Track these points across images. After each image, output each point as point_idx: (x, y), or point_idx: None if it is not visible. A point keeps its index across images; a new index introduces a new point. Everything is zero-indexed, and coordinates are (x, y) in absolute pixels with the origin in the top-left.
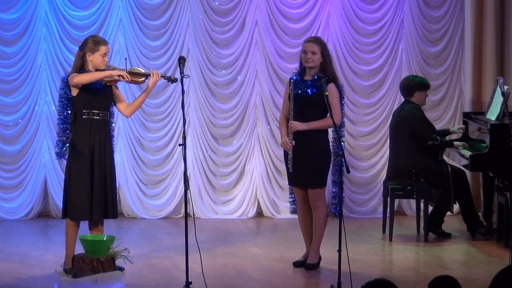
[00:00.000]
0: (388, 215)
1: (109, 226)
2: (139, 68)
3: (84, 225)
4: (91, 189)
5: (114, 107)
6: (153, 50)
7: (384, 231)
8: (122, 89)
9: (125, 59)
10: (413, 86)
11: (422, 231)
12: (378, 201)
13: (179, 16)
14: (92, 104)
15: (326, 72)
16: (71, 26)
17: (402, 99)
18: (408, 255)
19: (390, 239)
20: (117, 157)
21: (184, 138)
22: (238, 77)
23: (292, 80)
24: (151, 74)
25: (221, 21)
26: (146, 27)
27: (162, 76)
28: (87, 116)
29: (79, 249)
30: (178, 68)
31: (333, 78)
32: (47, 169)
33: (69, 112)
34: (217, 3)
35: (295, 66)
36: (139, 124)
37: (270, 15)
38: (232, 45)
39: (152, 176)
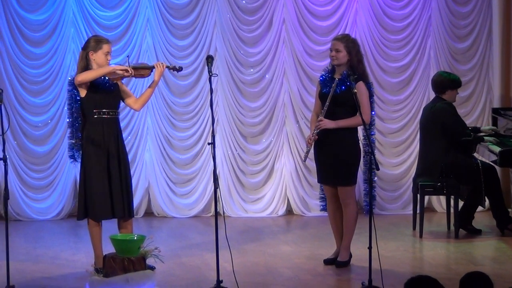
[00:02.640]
0: (418, 211)
1: (139, 226)
2: (143, 63)
3: (113, 224)
4: (109, 188)
5: (122, 104)
6: (181, 50)
7: (414, 228)
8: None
9: (127, 56)
10: (446, 85)
11: (452, 228)
12: (408, 198)
13: (207, 15)
14: (102, 103)
15: (355, 70)
16: (99, 26)
17: (432, 95)
18: (439, 251)
19: (421, 236)
20: (146, 156)
21: (213, 136)
22: (266, 75)
23: (320, 79)
24: (156, 66)
25: (248, 20)
26: (174, 27)
27: (167, 67)
28: (98, 116)
29: (110, 249)
30: (206, 67)
31: (362, 76)
32: (77, 169)
33: (79, 114)
34: (244, 1)
35: (323, 63)
36: (168, 123)
37: (298, 13)
38: (260, 44)
39: (182, 175)
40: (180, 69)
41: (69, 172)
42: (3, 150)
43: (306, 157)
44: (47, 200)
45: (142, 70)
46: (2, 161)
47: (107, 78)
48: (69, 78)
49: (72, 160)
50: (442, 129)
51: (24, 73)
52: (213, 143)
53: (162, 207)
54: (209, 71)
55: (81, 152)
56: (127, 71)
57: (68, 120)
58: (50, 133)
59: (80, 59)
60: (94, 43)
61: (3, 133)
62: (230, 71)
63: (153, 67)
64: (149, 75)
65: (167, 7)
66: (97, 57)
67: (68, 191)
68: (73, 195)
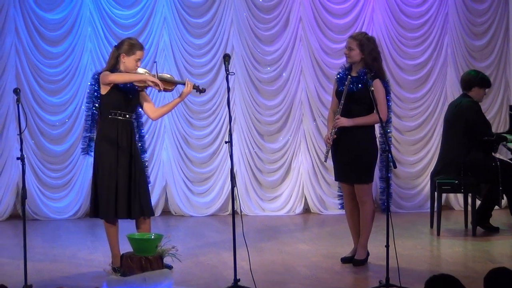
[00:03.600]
0: (435, 209)
1: (157, 224)
2: (168, 75)
3: (131, 223)
4: (123, 187)
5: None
6: (198, 48)
7: (431, 226)
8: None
9: (154, 62)
10: (473, 81)
11: (470, 226)
12: (425, 195)
13: (223, 14)
14: (120, 105)
15: (371, 68)
16: (116, 25)
17: (449, 93)
18: (456, 249)
19: (438, 234)
20: (163, 155)
21: (230, 135)
22: (283, 74)
23: (337, 77)
24: (186, 84)
25: (265, 18)
26: (191, 25)
27: (193, 86)
28: (113, 116)
29: (127, 248)
30: (223, 66)
31: (378, 74)
32: None
33: (96, 109)
34: (260, 0)
35: (340, 61)
36: (185, 122)
37: (314, 11)
38: (277, 42)
39: (199, 173)
40: (203, 90)
41: (87, 171)
42: (21, 150)
43: (326, 157)
44: (65, 199)
45: (167, 84)
46: (19, 160)
47: (150, 84)
48: (94, 72)
49: (84, 153)
50: (465, 126)
51: (41, 72)
52: (230, 142)
53: (180, 205)
54: (226, 70)
55: (94, 149)
56: (157, 85)
57: (86, 113)
58: (67, 132)
59: (111, 56)
60: (128, 46)
61: (20, 133)
62: (247, 70)
63: (180, 83)
64: (173, 90)
65: (184, 5)
66: (127, 61)
67: (85, 190)
68: (90, 193)
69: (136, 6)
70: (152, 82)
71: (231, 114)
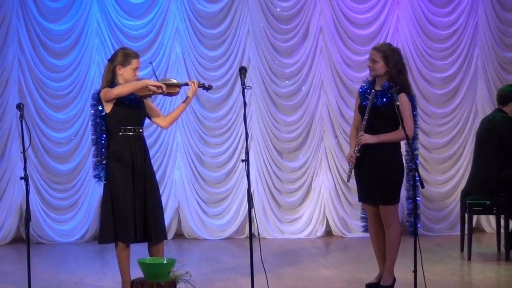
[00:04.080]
0: (466, 232)
1: (169, 248)
2: (171, 79)
3: (142, 247)
4: (136, 210)
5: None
6: (212, 60)
7: (462, 250)
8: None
9: (150, 63)
10: (510, 96)
11: (503, 249)
12: (455, 217)
13: (239, 24)
14: (127, 119)
15: (396, 81)
16: (125, 36)
17: (480, 108)
18: (489, 275)
19: (469, 258)
20: (176, 174)
21: (247, 153)
22: (303, 88)
23: (360, 91)
24: (190, 84)
25: (283, 28)
26: (204, 36)
27: (198, 85)
28: (123, 133)
29: (138, 273)
30: (239, 79)
31: (404, 88)
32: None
33: (103, 131)
34: (278, 9)
35: (363, 75)
36: (199, 139)
37: (335, 20)
38: (296, 54)
39: (213, 194)
40: (209, 87)
41: (94, 191)
42: (24, 169)
43: (349, 176)
44: (71, 221)
45: (171, 88)
46: (23, 180)
47: (133, 94)
48: (93, 91)
49: (97, 179)
50: (498, 143)
51: (46, 86)
52: (247, 160)
53: (193, 228)
54: (242, 84)
55: (106, 171)
56: (160, 87)
57: (92, 137)
58: (73, 150)
59: (106, 71)
60: (122, 57)
61: (24, 151)
62: (264, 83)
63: (183, 84)
64: (178, 93)
65: (197, 15)
66: (125, 73)
67: (93, 211)
68: (98, 215)
69: (147, 16)
70: (154, 85)
71: (248, 131)
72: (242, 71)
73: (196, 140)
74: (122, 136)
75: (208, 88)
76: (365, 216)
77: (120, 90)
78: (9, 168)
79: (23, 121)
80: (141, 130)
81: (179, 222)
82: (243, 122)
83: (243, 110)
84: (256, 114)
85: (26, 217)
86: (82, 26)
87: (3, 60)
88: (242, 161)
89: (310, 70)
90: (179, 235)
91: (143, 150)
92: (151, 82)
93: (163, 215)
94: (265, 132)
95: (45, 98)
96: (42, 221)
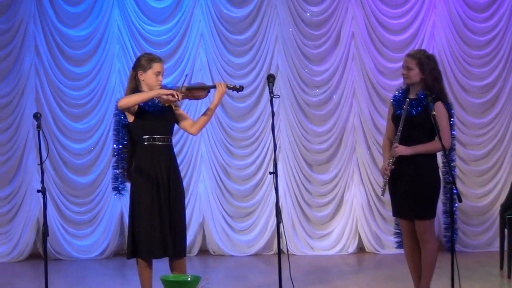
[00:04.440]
0: (506, 248)
1: (193, 265)
2: (200, 83)
3: (164, 264)
4: (159, 224)
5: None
6: (238, 68)
7: (502, 267)
8: (192, 105)
9: (186, 75)
10: None
11: None
12: (494, 233)
13: (267, 30)
14: (153, 128)
15: (431, 89)
16: (147, 42)
17: None
18: None
19: (509, 276)
20: (200, 187)
21: (275, 165)
22: (334, 96)
23: (393, 99)
24: (216, 86)
25: (313, 34)
26: (230, 42)
27: (227, 86)
28: (149, 142)
29: None
30: (267, 88)
31: (440, 96)
32: (124, 202)
33: (126, 140)
34: (308, 14)
35: (396, 83)
36: (224, 150)
37: (368, 26)
38: (326, 61)
39: (240, 208)
40: (241, 88)
41: (115, 205)
42: (42, 181)
43: (384, 190)
44: (90, 236)
45: (197, 91)
46: (40, 194)
47: (157, 100)
48: (117, 99)
49: (116, 192)
50: None
51: (64, 95)
52: (275, 173)
53: (219, 244)
54: (270, 92)
55: (129, 183)
56: (173, 95)
57: (113, 146)
58: (93, 162)
59: (129, 79)
60: (144, 61)
61: (41, 162)
62: (294, 92)
63: (211, 87)
64: (206, 96)
65: (223, 20)
66: (146, 78)
67: (114, 226)
68: (119, 231)
69: (170, 21)
70: (166, 94)
71: (276, 142)
72: (270, 79)
73: (222, 151)
74: (147, 146)
75: (238, 89)
76: (399, 231)
77: (126, 102)
78: (26, 180)
79: (40, 132)
80: (169, 139)
81: (204, 238)
82: (271, 133)
83: (271, 120)
84: (285, 124)
85: (44, 232)
86: (102, 31)
87: (20, 68)
88: (270, 173)
89: (341, 78)
90: (203, 251)
91: (169, 160)
92: (163, 91)
93: (185, 230)
94: (294, 143)
95: (63, 107)
96: (60, 236)
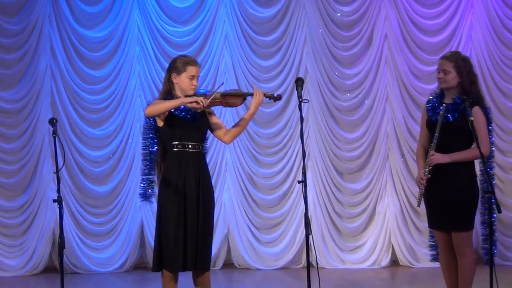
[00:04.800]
0: None
1: (218, 279)
2: (236, 90)
3: (188, 278)
4: (186, 237)
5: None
6: (265, 71)
7: None
8: (227, 112)
9: (221, 84)
10: None
11: None
12: None
13: (295, 31)
14: (184, 134)
15: (468, 94)
16: (168, 44)
17: None
18: None
19: None
20: (225, 197)
21: (304, 173)
22: (366, 101)
23: (428, 105)
24: (254, 93)
25: (344, 36)
26: (257, 44)
27: (265, 95)
28: (179, 148)
29: None
30: (295, 92)
31: (477, 100)
32: (144, 212)
33: (156, 145)
34: (339, 14)
35: (432, 86)
36: (250, 158)
37: (402, 27)
38: (358, 64)
39: (267, 219)
40: (279, 98)
41: (135, 215)
42: (58, 190)
43: (420, 201)
44: (109, 249)
45: (232, 98)
46: (56, 203)
47: (188, 106)
48: (147, 102)
49: (142, 199)
50: None
51: (81, 99)
52: (303, 181)
53: (244, 257)
54: (299, 96)
55: (157, 190)
56: (197, 103)
57: (142, 151)
58: (111, 170)
59: (164, 82)
60: (179, 64)
61: (57, 171)
62: (323, 96)
63: (248, 94)
64: (241, 104)
65: (249, 21)
66: (180, 81)
67: (133, 238)
68: (139, 243)
69: (193, 22)
70: (191, 102)
71: (305, 149)
72: (299, 82)
73: (248, 159)
74: (176, 152)
75: (276, 98)
76: (433, 243)
77: (151, 110)
78: (41, 189)
79: (56, 138)
80: (200, 146)
81: (229, 250)
82: (299, 139)
83: (299, 126)
84: (314, 130)
85: (60, 244)
86: (122, 32)
87: (34, 70)
88: (299, 182)
89: (373, 82)
90: (228, 264)
91: (200, 168)
92: (187, 99)
93: (211, 244)
94: (324, 150)
95: (81, 113)
96: (77, 248)
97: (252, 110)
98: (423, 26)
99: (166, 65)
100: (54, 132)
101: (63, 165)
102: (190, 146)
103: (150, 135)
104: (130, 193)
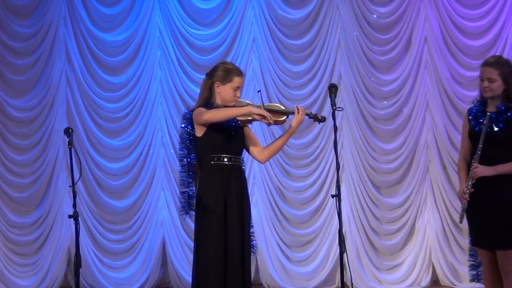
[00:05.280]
0: None
1: None
2: (277, 104)
3: None
4: (225, 255)
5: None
6: (296, 77)
7: None
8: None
9: (258, 91)
10: None
11: None
12: None
13: (328, 33)
14: (223, 146)
15: None
16: (192, 48)
17: None
18: None
19: None
20: (253, 213)
21: (338, 187)
22: (404, 109)
23: (470, 113)
24: (295, 111)
25: (380, 39)
26: (287, 48)
27: (307, 115)
28: (216, 161)
29: None
30: (328, 99)
31: None
32: (166, 229)
33: (193, 156)
34: (375, 15)
35: (475, 93)
36: (280, 171)
37: (443, 29)
38: (396, 69)
39: (298, 236)
40: (323, 119)
41: (156, 232)
42: (74, 205)
43: (462, 217)
44: (128, 268)
45: (278, 116)
46: (72, 219)
47: (254, 118)
48: (185, 110)
49: (183, 213)
50: None
51: (99, 107)
52: (337, 196)
53: (274, 276)
54: (332, 104)
55: (195, 207)
56: (264, 117)
57: (180, 162)
58: (131, 183)
59: (203, 88)
60: (222, 72)
61: (73, 184)
62: (358, 104)
63: (291, 112)
64: (285, 122)
65: (278, 23)
66: (223, 91)
67: (155, 256)
68: (160, 262)
69: (218, 24)
70: (259, 114)
71: (339, 161)
72: (332, 89)
73: (277, 171)
74: (215, 166)
75: (320, 120)
76: (473, 262)
77: (214, 115)
78: (55, 204)
79: (72, 149)
80: (239, 159)
81: (257, 269)
82: (333, 150)
83: (333, 136)
84: (349, 141)
85: (76, 262)
86: (142, 36)
87: (48, 77)
88: (332, 196)
89: (412, 88)
90: (257, 284)
91: (241, 183)
92: (255, 110)
93: (250, 264)
94: (360, 162)
95: (98, 122)
96: (94, 267)
97: (293, 130)
98: (465, 28)
99: (189, 70)
100: (70, 143)
101: (79, 178)
102: (229, 159)
103: (187, 145)
104: (151, 208)
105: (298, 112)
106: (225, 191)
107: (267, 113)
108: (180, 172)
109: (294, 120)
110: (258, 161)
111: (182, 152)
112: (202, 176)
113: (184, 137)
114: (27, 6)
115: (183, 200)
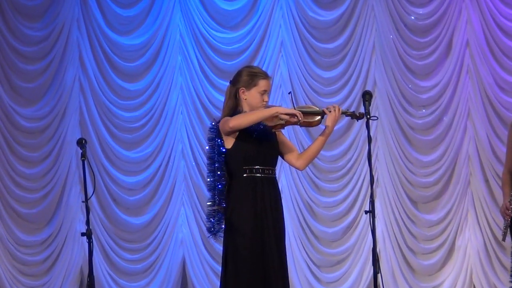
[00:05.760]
0: None
1: None
2: (310, 105)
3: None
4: (263, 278)
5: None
6: (327, 83)
7: None
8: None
9: (289, 93)
10: None
11: None
12: None
13: (362, 36)
14: (255, 157)
15: None
16: (215, 53)
17: None
18: None
19: None
20: None
21: (372, 202)
22: (444, 118)
23: None
24: (328, 110)
25: (419, 42)
26: (317, 52)
27: (343, 113)
28: (249, 174)
29: None
30: (362, 107)
31: None
32: (186, 248)
33: (223, 171)
34: (413, 17)
35: None
36: (309, 184)
37: (486, 31)
38: (435, 75)
39: (328, 255)
40: (361, 116)
41: (175, 251)
42: (87, 222)
43: (505, 234)
44: None
45: (310, 117)
46: (84, 237)
47: (262, 124)
48: (211, 122)
49: (210, 235)
50: None
51: (114, 116)
52: (371, 212)
53: None
54: (367, 113)
55: (223, 225)
56: (294, 116)
57: (208, 180)
58: (149, 199)
59: (227, 96)
60: (247, 77)
61: (86, 199)
62: (394, 112)
63: (323, 112)
64: (318, 123)
65: (308, 25)
66: (250, 97)
67: (174, 277)
68: (180, 284)
69: (244, 27)
70: (287, 114)
71: (373, 174)
72: (367, 97)
73: (306, 185)
74: (246, 178)
75: (358, 117)
76: None
77: (239, 120)
78: (67, 221)
79: (86, 162)
80: (273, 171)
81: None
82: (366, 162)
83: (367, 147)
84: (384, 152)
85: (89, 284)
86: (161, 39)
87: (60, 83)
88: (366, 212)
89: (453, 96)
90: None
91: (275, 197)
92: (283, 109)
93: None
94: (395, 175)
95: (113, 132)
96: None
97: (329, 129)
98: (510, 30)
99: (212, 76)
100: (83, 155)
101: (93, 193)
102: (262, 170)
103: (216, 158)
104: (170, 225)
105: (334, 110)
106: (259, 207)
107: (297, 111)
108: (208, 190)
109: (329, 118)
110: (296, 168)
111: (210, 167)
112: (234, 192)
113: (212, 151)
114: (38, 7)
115: (212, 221)
